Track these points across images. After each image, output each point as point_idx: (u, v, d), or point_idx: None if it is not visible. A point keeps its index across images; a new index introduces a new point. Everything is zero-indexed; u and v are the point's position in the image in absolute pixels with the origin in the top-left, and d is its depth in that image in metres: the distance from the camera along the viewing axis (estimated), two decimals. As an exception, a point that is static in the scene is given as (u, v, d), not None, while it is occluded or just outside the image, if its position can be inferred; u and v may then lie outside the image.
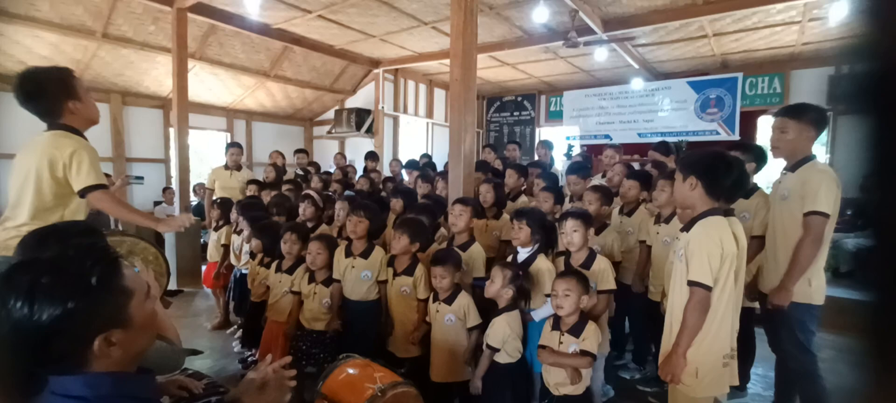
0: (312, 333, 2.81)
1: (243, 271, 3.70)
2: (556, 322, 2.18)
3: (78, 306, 0.85)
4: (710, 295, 1.78)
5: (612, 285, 2.44)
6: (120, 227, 5.44)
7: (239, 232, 3.79)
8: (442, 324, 2.46)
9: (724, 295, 1.82)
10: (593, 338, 2.09)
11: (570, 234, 2.44)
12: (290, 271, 3.00)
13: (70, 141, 2.05)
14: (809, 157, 2.33)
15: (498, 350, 2.26)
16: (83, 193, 2.06)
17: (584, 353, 2.07)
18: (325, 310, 2.81)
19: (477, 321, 2.42)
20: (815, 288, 2.29)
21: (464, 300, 2.45)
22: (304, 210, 3.64)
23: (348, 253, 2.81)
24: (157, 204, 7.09)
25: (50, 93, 2.03)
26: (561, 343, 2.13)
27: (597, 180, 4.10)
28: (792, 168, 2.37)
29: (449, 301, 2.45)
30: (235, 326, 4.04)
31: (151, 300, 1.04)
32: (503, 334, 2.26)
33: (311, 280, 2.85)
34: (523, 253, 2.51)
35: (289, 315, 2.92)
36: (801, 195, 2.26)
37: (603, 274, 2.40)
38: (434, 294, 2.52)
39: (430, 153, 8.61)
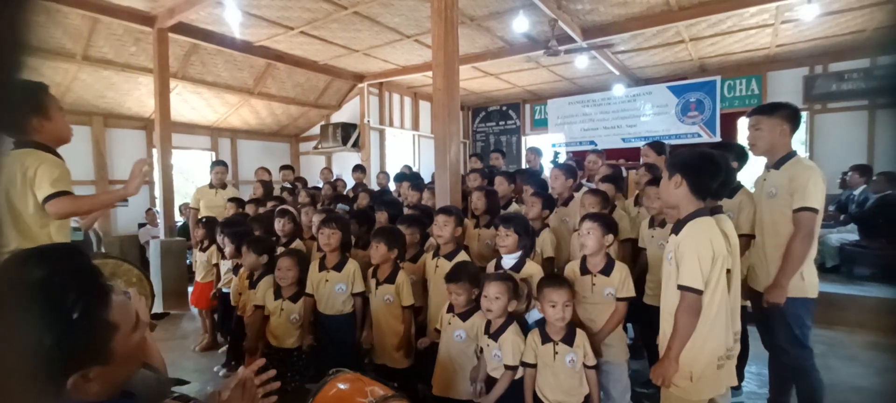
0: (279, 351, 2.74)
1: (224, 290, 3.65)
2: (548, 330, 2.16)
3: (53, 343, 0.77)
4: (701, 299, 1.76)
5: (631, 293, 2.37)
6: (102, 249, 5.33)
7: (221, 250, 3.73)
8: (450, 338, 2.36)
9: (715, 296, 1.79)
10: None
11: (584, 236, 2.35)
12: (253, 286, 2.96)
13: (34, 158, 1.97)
14: (792, 154, 2.33)
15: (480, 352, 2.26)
16: (44, 203, 1.97)
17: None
18: (294, 327, 2.77)
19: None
20: (808, 282, 2.29)
21: (478, 320, 2.31)
22: (284, 226, 3.53)
23: (322, 267, 2.79)
24: (141, 225, 6.97)
25: (13, 108, 1.93)
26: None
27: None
28: (776, 165, 2.37)
29: (464, 317, 2.33)
30: (224, 346, 3.96)
31: (140, 330, 0.97)
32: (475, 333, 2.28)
33: (278, 296, 2.79)
34: (509, 259, 2.49)
35: (250, 330, 2.84)
36: (789, 192, 2.26)
37: (623, 281, 2.35)
38: (449, 306, 2.42)
39: (417, 165, 8.62)
